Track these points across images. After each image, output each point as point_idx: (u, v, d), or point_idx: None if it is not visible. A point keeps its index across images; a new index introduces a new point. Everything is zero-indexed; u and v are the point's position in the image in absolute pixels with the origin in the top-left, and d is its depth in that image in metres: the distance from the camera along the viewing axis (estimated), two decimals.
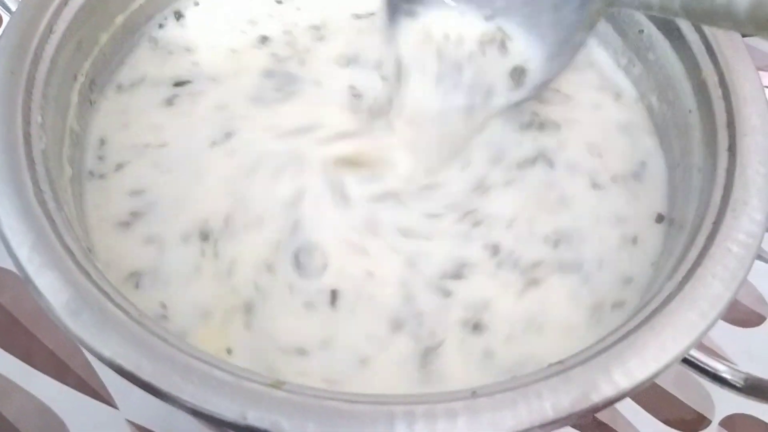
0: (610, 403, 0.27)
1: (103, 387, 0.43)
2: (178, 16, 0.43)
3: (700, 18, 0.31)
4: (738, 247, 0.30)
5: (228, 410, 0.25)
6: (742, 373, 0.31)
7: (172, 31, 0.43)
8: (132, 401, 0.43)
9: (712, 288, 0.29)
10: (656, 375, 0.27)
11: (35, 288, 0.27)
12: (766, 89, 0.35)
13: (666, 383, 0.46)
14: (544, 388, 0.26)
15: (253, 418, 0.25)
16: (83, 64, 0.38)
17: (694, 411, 0.45)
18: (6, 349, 0.43)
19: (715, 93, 0.35)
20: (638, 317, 0.29)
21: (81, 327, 0.27)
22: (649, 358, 0.27)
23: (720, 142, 0.34)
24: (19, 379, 0.43)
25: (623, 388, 0.27)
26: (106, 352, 0.26)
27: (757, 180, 0.31)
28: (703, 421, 0.45)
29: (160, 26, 0.43)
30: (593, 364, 0.27)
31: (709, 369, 0.31)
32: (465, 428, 0.25)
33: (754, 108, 0.34)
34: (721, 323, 0.49)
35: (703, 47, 0.37)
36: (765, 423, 0.44)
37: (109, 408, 0.42)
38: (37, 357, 0.43)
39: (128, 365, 0.26)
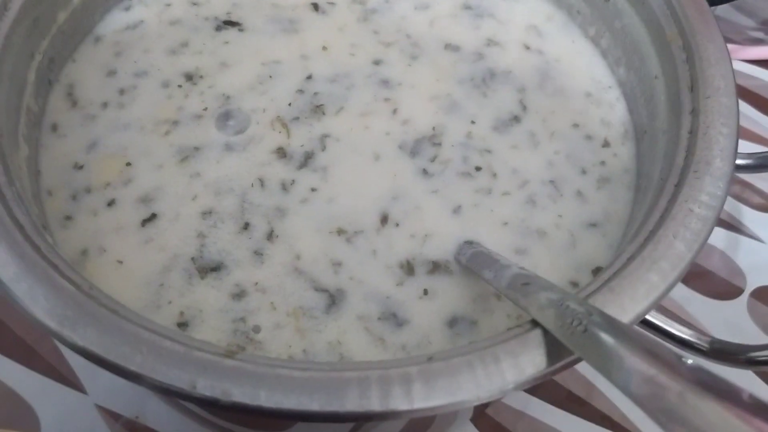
0: (570, 364, 0.26)
1: (72, 372, 0.42)
2: None
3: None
4: (700, 208, 0.29)
5: (177, 379, 0.25)
6: (708, 336, 0.31)
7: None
8: (101, 386, 0.42)
9: (673, 248, 0.28)
10: None
11: None
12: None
13: None
14: (502, 351, 0.26)
15: (202, 387, 0.24)
16: (41, 42, 0.37)
17: None
18: None
19: (680, 57, 0.35)
20: (599, 280, 0.28)
21: (30, 300, 0.26)
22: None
23: (684, 104, 0.33)
24: None
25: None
26: (54, 324, 0.25)
27: (720, 140, 0.31)
28: None
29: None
30: None
31: (674, 333, 0.31)
32: (421, 394, 0.25)
33: (718, 69, 0.33)
34: (699, 296, 0.49)
35: (667, 11, 0.36)
36: None
37: (78, 393, 0.42)
38: (4, 342, 0.43)
39: (76, 337, 0.25)
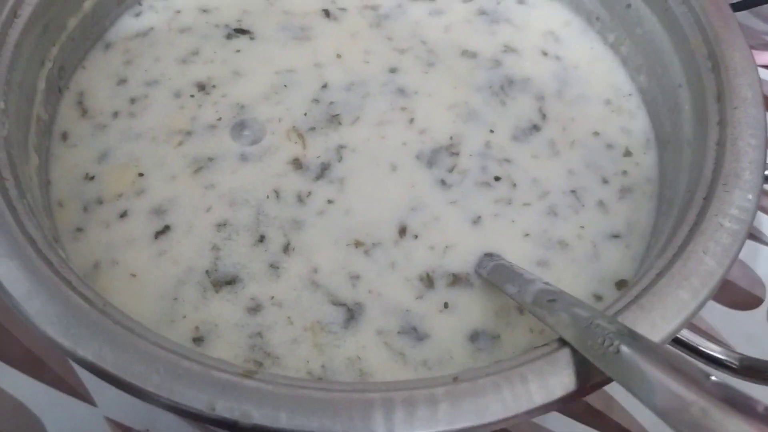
0: (598, 386, 0.25)
1: (81, 384, 0.41)
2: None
3: None
4: (730, 222, 0.29)
5: (195, 400, 0.24)
6: (737, 354, 0.30)
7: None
8: (111, 398, 0.41)
9: (704, 264, 0.27)
10: None
11: None
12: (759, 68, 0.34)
13: None
14: (529, 371, 0.25)
15: (222, 408, 0.24)
16: (51, 49, 0.37)
17: None
18: None
19: (705, 65, 0.34)
20: (627, 296, 0.27)
21: (43, 318, 0.25)
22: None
23: (710, 115, 0.32)
24: None
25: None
26: (68, 343, 0.25)
27: (749, 152, 0.30)
28: None
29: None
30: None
31: (704, 350, 0.30)
32: (447, 415, 0.24)
33: (745, 79, 0.33)
34: (718, 306, 0.48)
35: (691, 19, 0.36)
36: None
37: (88, 405, 0.41)
38: (11, 353, 0.42)
39: (90, 355, 0.24)
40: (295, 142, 0.37)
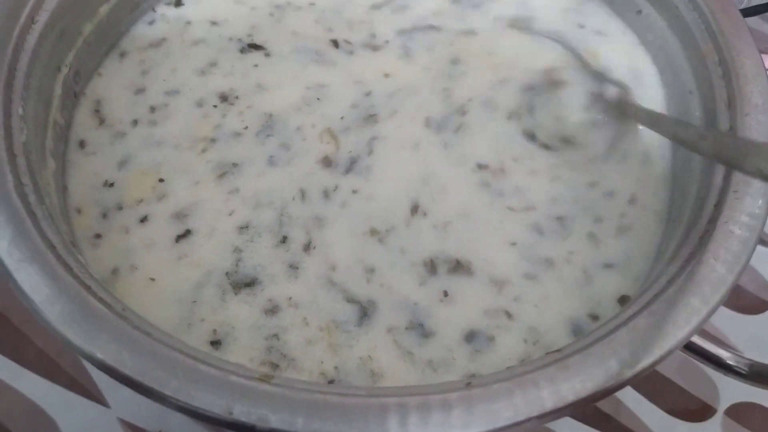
0: (610, 392, 0.26)
1: (94, 385, 0.42)
2: (177, 3, 0.43)
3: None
4: (741, 230, 0.29)
5: (213, 405, 0.24)
6: (747, 359, 0.30)
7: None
8: (124, 399, 0.42)
9: (715, 271, 0.28)
10: (657, 362, 0.26)
11: (15, 282, 0.27)
12: None
13: (670, 372, 0.45)
14: (541, 377, 0.26)
15: (239, 413, 0.24)
16: (67, 54, 0.37)
17: (699, 400, 0.44)
18: None
19: (715, 72, 0.34)
20: (638, 303, 0.28)
21: (62, 322, 0.26)
22: (650, 344, 0.26)
23: (721, 121, 0.33)
24: (8, 377, 0.42)
25: (624, 376, 0.26)
26: (88, 347, 0.25)
27: None
28: (708, 410, 0.44)
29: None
30: (592, 351, 0.26)
31: (713, 356, 0.30)
32: (460, 420, 0.24)
33: (756, 86, 0.33)
34: (726, 310, 0.48)
35: (702, 26, 0.36)
36: None
37: (101, 406, 0.42)
38: (26, 355, 0.43)
39: (109, 359, 0.25)
40: (328, 143, 0.37)
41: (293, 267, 0.33)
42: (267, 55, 0.41)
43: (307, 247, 0.34)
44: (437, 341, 0.32)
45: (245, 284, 0.33)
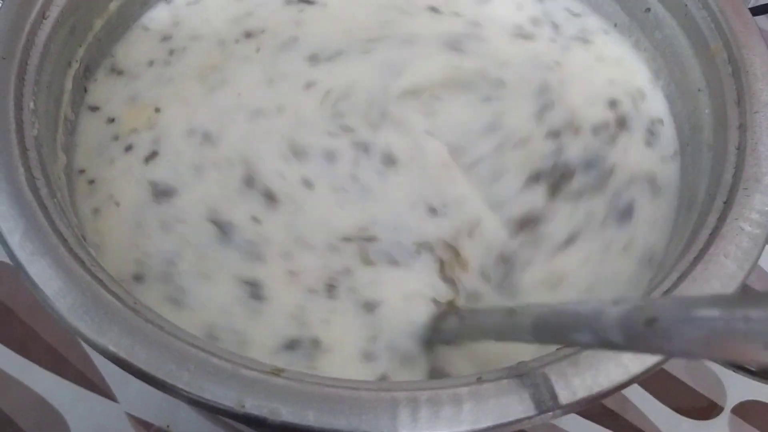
0: (619, 388, 0.26)
1: (102, 380, 0.42)
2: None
3: None
4: (751, 226, 0.29)
5: (225, 398, 0.24)
6: None
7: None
8: (132, 394, 0.42)
9: (725, 268, 0.28)
10: (667, 359, 0.26)
11: (27, 276, 0.27)
12: None
13: (677, 370, 0.45)
14: (552, 372, 0.26)
15: (251, 406, 0.24)
16: (77, 50, 0.37)
17: (706, 398, 0.44)
18: (2, 342, 0.43)
19: (725, 70, 0.34)
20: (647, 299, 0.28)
21: (74, 315, 0.26)
22: None
23: (730, 119, 0.33)
24: (16, 372, 0.42)
25: (633, 372, 0.26)
26: (100, 340, 0.25)
27: None
28: (715, 408, 0.44)
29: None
30: None
31: None
32: (471, 415, 0.25)
33: (765, 84, 0.33)
34: None
35: (711, 24, 0.36)
36: None
37: (109, 401, 0.42)
38: (34, 350, 0.43)
39: (122, 352, 0.25)
40: None
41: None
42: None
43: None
44: None
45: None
